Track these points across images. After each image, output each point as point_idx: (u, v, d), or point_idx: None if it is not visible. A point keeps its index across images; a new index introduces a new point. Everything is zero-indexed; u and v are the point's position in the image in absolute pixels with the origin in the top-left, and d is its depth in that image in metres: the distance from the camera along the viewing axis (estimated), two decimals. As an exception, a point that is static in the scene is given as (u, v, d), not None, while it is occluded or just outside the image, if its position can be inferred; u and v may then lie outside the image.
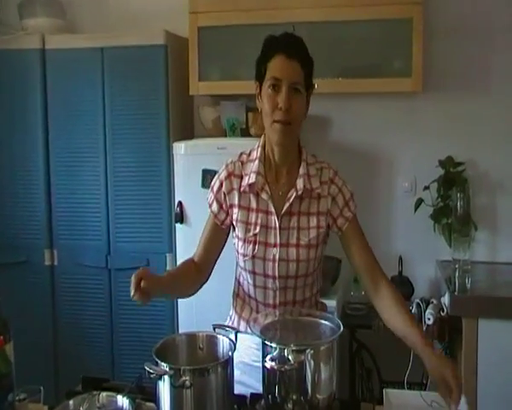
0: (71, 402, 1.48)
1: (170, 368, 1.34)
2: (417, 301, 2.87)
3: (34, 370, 3.12)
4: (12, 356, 1.65)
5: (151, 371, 1.33)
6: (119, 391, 1.59)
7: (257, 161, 1.74)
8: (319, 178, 1.74)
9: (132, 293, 1.50)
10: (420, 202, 3.12)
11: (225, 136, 3.13)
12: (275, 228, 1.71)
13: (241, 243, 1.74)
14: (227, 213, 1.78)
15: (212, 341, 1.54)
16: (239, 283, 1.85)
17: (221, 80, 3.09)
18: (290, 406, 1.38)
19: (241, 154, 1.81)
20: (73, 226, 3.14)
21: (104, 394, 1.50)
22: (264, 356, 1.40)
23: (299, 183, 1.71)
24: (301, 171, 1.72)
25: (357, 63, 3.00)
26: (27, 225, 3.19)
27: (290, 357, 1.36)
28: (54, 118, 3.13)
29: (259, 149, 1.76)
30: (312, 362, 1.37)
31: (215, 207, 1.78)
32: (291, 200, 1.70)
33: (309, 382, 1.38)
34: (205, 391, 1.35)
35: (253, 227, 1.72)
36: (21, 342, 3.19)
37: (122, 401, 1.48)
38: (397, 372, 2.83)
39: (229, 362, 1.42)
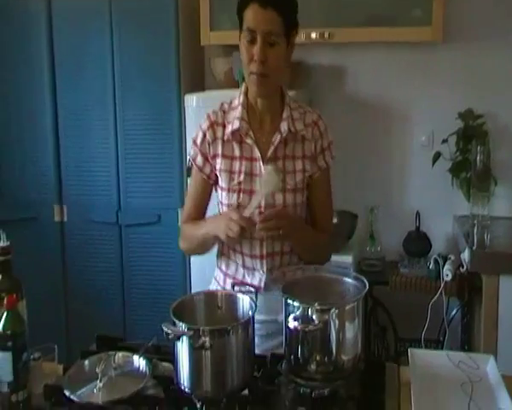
0: (86, 362, 1.43)
1: (188, 329, 1.28)
2: (435, 257, 2.80)
3: (45, 328, 3.05)
4: (25, 315, 1.61)
5: (169, 331, 1.27)
6: (134, 351, 1.55)
7: (240, 108, 1.69)
8: (303, 120, 1.70)
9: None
10: (438, 155, 3.02)
11: (238, 87, 3.01)
12: (260, 175, 1.66)
13: (224, 194, 1.70)
14: (211, 166, 1.73)
15: (231, 300, 1.48)
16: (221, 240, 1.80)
17: (233, 30, 2.95)
18: (313, 367, 1.33)
19: (222, 103, 1.75)
20: (83, 181, 3.07)
21: (120, 354, 1.45)
22: (286, 315, 1.34)
23: (283, 125, 1.67)
24: (285, 114, 1.68)
25: (374, 11, 2.86)
26: (36, 180, 3.12)
27: (314, 316, 1.30)
28: (61, 71, 3.02)
29: (242, 96, 1.71)
30: (337, 322, 1.31)
31: (200, 160, 1.73)
32: (276, 143, 1.66)
33: (333, 342, 1.32)
34: (225, 352, 1.29)
35: (236, 176, 1.68)
36: (32, 300, 3.18)
37: (138, 361, 1.44)
38: (413, 330, 2.79)
39: (249, 322, 1.35)
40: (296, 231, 1.64)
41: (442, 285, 2.70)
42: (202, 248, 1.76)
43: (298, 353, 1.34)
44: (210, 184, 1.75)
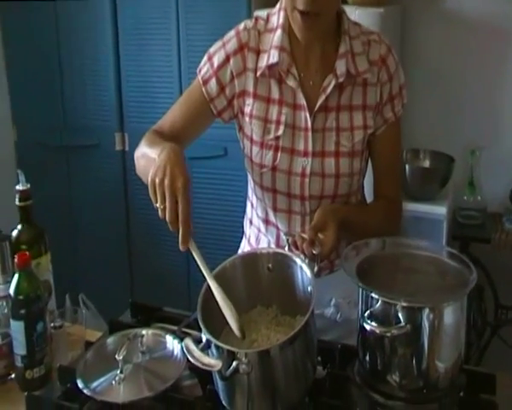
0: (109, 341, 1.17)
1: (216, 348, 0.95)
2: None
3: (106, 262, 2.95)
4: (50, 272, 1.36)
5: (189, 356, 0.95)
6: (174, 323, 1.27)
7: (279, 32, 1.23)
8: (367, 55, 1.25)
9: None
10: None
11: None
12: (305, 129, 1.25)
13: (256, 149, 1.27)
14: (229, 103, 1.29)
15: (283, 262, 1.11)
16: (252, 205, 1.41)
17: None
18: (396, 379, 0.99)
19: (257, 19, 1.29)
20: (144, 108, 2.77)
21: (150, 332, 1.18)
22: (362, 309, 1.00)
23: (340, 65, 1.22)
24: (342, 48, 1.22)
25: None
26: (98, 106, 2.87)
27: (400, 315, 0.95)
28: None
29: (282, 14, 1.24)
30: (433, 326, 0.95)
31: (213, 87, 1.28)
32: (328, 90, 1.22)
33: (425, 351, 0.97)
34: (272, 375, 0.95)
35: (273, 127, 1.25)
36: (93, 234, 2.98)
37: (172, 343, 1.15)
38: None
39: (310, 321, 0.97)
40: (344, 231, 1.20)
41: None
42: (140, 168, 1.24)
43: (376, 359, 1.01)
44: (213, 118, 1.31)
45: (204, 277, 1.08)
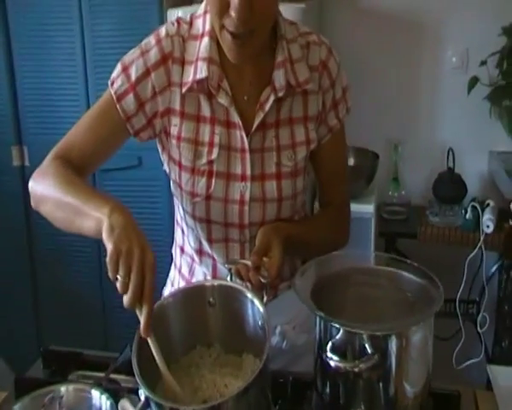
0: (16, 407, 0.96)
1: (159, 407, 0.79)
2: (473, 204, 2.33)
3: (9, 301, 2.66)
4: None
5: None
6: (100, 369, 1.09)
7: (206, 40, 1.06)
8: (306, 61, 1.11)
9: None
10: (475, 81, 2.50)
11: None
12: (242, 150, 1.10)
13: (187, 176, 1.10)
14: (149, 122, 1.10)
15: (228, 295, 0.96)
16: (183, 231, 1.23)
17: None
18: (361, 413, 0.87)
19: (180, 22, 1.11)
20: (45, 118, 2.51)
21: (71, 387, 0.99)
22: (321, 339, 0.87)
23: (279, 77, 1.07)
24: (280, 56, 1.08)
25: None
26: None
27: (366, 344, 0.83)
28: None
29: (208, 18, 1.07)
30: (401, 351, 0.84)
31: (131, 104, 1.09)
32: (267, 107, 1.08)
33: (393, 379, 0.86)
34: None
35: (206, 150, 1.09)
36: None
37: (99, 399, 0.97)
38: (446, 290, 2.36)
39: (266, 365, 0.83)
40: (290, 250, 1.09)
41: (482, 238, 2.25)
42: (64, 222, 1.04)
43: (337, 392, 0.88)
44: (127, 136, 1.12)
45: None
